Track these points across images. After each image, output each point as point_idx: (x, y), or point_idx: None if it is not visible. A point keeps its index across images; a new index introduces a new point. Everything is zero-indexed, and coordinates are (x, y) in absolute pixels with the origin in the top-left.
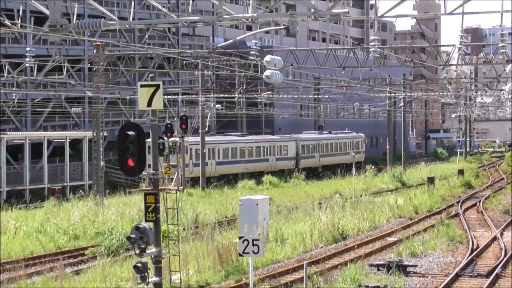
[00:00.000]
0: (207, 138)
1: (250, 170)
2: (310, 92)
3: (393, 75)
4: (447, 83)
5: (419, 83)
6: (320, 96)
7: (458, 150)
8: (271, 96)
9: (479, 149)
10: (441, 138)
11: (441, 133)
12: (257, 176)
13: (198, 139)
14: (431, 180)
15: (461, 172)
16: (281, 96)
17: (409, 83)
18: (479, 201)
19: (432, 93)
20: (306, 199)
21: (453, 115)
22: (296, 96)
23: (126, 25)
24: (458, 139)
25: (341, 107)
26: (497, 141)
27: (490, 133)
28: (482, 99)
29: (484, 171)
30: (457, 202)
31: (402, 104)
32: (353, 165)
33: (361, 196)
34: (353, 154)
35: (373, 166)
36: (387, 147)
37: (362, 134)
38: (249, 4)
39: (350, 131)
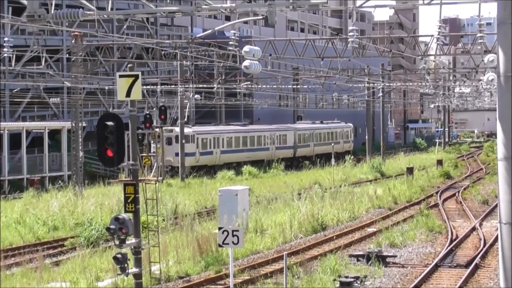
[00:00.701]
0: (211, 128)
1: (251, 158)
2: (289, 83)
3: (372, 65)
4: (426, 74)
5: (397, 73)
6: (299, 86)
7: (437, 140)
8: (250, 86)
9: (458, 139)
10: (420, 129)
11: (420, 123)
12: (258, 164)
13: (204, 128)
14: (410, 170)
15: (440, 162)
16: (260, 86)
17: (388, 73)
18: (458, 192)
19: (411, 83)
20: (286, 190)
21: (432, 105)
22: (275, 86)
23: (105, 15)
24: (436, 129)
25: (320, 97)
26: (476, 131)
27: (469, 123)
28: (460, 89)
29: (463, 161)
30: (436, 193)
31: (380, 94)
32: (332, 155)
33: (340, 186)
34: (343, 143)
35: (352, 157)
36: (366, 137)
37: (350, 124)
38: None
39: (339, 121)
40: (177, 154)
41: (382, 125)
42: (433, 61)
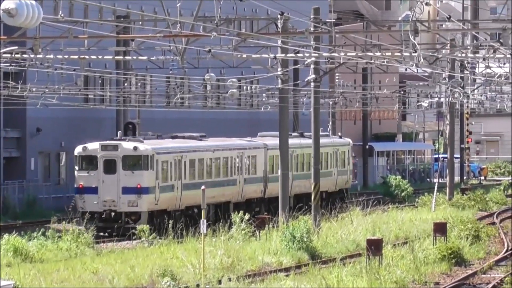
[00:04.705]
0: (168, 143)
1: (216, 199)
2: (107, 50)
3: (294, 12)
4: (412, 32)
5: (350, 30)
6: (129, 58)
7: (436, 180)
8: (19, 56)
9: (482, 177)
10: (398, 153)
11: (399, 142)
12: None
13: (162, 143)
14: (375, 247)
15: (441, 229)
16: (41, 57)
17: (327, 30)
18: None
19: (379, 54)
20: None
21: (426, 103)
22: (77, 57)
23: None
24: (435, 155)
25: (175, 81)
26: None
27: (504, 142)
28: (488, 66)
29: (491, 226)
30: None
31: (312, 77)
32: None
33: (219, 282)
34: (337, 174)
35: (246, 215)
36: (279, 171)
37: (349, 140)
38: None
39: (327, 133)
40: (126, 191)
41: (313, 146)
42: (428, 3)
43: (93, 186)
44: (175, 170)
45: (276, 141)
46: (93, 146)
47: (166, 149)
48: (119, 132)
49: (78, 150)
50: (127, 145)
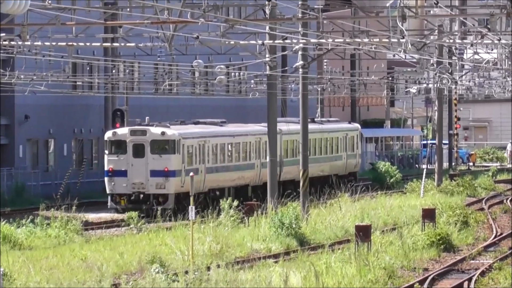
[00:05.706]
0: (192, 129)
1: (236, 182)
2: (94, 36)
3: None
4: (399, 18)
5: (338, 16)
6: (117, 45)
7: (424, 166)
8: (7, 43)
9: (471, 163)
10: (386, 139)
11: (387, 129)
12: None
13: (187, 128)
14: (363, 233)
15: (429, 215)
16: (28, 43)
17: (315, 16)
18: (470, 280)
19: (367, 40)
20: (85, 277)
21: (414, 89)
22: (64, 44)
23: None
24: (423, 141)
25: (164, 68)
26: (510, 146)
27: (493, 128)
28: (476, 52)
29: (479, 212)
30: (421, 283)
31: (300, 63)
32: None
33: (208, 268)
34: (347, 158)
35: (234, 202)
36: (267, 158)
37: (357, 125)
38: None
39: (337, 119)
40: (154, 174)
41: (302, 133)
42: None
43: (123, 169)
44: (199, 154)
45: (288, 127)
46: (123, 131)
47: (191, 134)
48: (147, 118)
49: (108, 135)
50: (155, 130)
